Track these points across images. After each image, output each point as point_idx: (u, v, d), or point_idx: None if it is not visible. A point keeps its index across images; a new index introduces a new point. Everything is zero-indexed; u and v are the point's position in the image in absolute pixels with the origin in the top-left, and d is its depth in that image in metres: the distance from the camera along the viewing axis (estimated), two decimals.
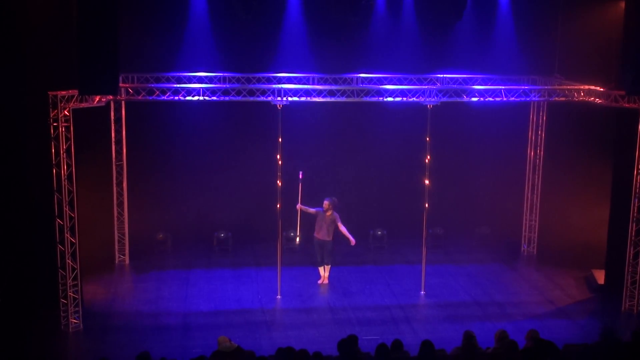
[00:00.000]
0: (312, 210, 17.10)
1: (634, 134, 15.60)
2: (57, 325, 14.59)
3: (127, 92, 15.49)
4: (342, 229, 16.97)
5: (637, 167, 15.55)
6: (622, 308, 15.96)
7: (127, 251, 18.55)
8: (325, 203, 16.90)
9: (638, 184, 15.59)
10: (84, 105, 14.50)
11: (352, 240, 16.99)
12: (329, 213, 16.90)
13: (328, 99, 15.83)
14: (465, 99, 16.08)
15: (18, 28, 14.69)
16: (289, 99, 15.45)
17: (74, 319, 14.66)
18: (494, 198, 20.74)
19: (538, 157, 19.52)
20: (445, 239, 20.04)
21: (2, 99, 14.77)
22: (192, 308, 15.80)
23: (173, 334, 14.52)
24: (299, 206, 17.08)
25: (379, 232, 19.84)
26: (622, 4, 15.92)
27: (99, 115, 17.09)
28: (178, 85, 15.60)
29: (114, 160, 18.00)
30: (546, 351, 9.81)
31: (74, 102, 14.19)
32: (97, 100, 14.90)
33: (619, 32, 15.59)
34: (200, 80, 16.96)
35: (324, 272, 17.29)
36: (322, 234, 17.01)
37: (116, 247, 18.45)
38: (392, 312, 15.75)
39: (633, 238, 15.77)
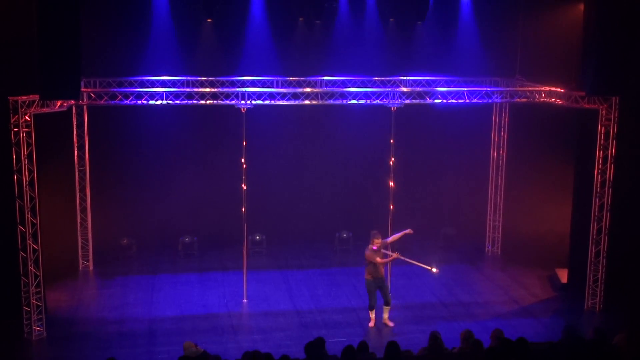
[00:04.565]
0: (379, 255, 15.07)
1: (594, 134, 15.83)
2: (20, 333, 14.39)
3: (90, 97, 15.35)
4: (390, 239, 15.35)
5: (598, 166, 15.80)
6: (585, 306, 16.18)
7: (91, 257, 18.35)
8: (379, 241, 15.13)
9: (599, 184, 15.84)
10: (45, 110, 14.33)
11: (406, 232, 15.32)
12: (378, 245, 15.16)
13: (292, 102, 15.84)
14: (428, 101, 16.19)
15: None
16: (253, 102, 15.44)
17: (37, 326, 14.46)
18: (458, 199, 20.94)
19: (501, 158, 19.71)
20: (411, 240, 20.08)
21: None
22: (157, 314, 15.69)
23: (139, 340, 14.41)
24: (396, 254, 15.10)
25: (345, 235, 19.87)
26: (581, 6, 16.13)
27: (61, 121, 16.94)
28: (141, 90, 15.47)
29: (76, 165, 17.83)
30: (512, 350, 9.88)
31: (35, 107, 14.01)
32: (58, 105, 14.73)
33: (579, 34, 15.80)
34: (163, 84, 16.80)
35: (384, 312, 15.29)
36: (379, 271, 15.18)
37: (80, 253, 18.26)
38: (359, 314, 15.78)
39: (594, 237, 15.99)
